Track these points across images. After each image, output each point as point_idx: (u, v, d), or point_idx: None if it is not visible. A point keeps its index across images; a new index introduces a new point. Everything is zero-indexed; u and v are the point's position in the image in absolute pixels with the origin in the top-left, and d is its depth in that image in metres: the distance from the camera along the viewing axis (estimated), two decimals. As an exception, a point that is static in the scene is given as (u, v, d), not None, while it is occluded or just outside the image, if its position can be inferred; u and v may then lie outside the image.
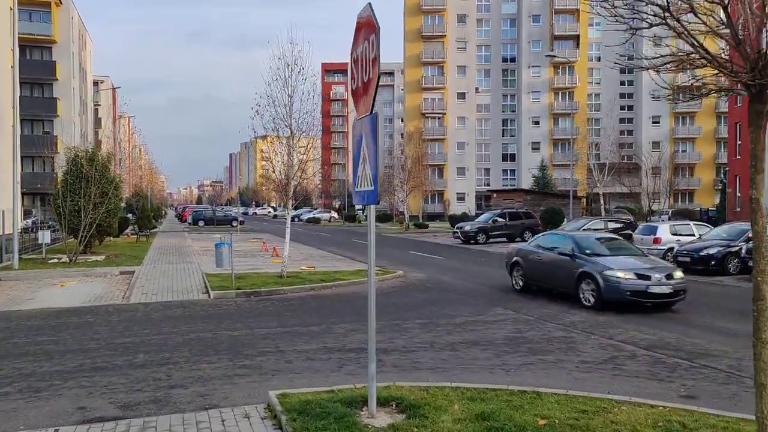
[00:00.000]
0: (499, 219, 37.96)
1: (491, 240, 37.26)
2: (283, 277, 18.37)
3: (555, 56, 49.17)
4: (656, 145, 79.03)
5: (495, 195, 50.63)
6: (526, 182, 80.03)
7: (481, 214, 69.43)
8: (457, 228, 38.51)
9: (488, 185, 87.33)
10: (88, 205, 23.10)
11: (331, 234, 48.84)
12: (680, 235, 24.35)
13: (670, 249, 23.78)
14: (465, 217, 57.23)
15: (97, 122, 76.24)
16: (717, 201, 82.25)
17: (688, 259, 21.43)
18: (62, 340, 10.81)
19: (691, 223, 26.39)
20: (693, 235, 24.16)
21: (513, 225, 38.01)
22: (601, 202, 50.54)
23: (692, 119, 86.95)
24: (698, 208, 58.09)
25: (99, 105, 79.57)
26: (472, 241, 36.85)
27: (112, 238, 35.18)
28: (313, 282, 17.73)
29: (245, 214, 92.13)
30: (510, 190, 52.12)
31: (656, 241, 24.18)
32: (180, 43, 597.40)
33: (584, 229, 28.98)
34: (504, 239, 38.06)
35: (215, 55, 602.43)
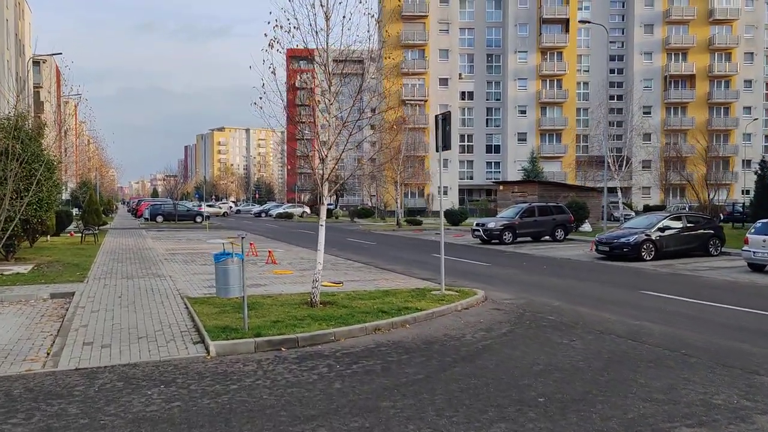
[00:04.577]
0: (527, 214, 31.65)
1: (518, 239, 31.02)
2: (316, 306, 11.57)
3: (588, 21, 43.09)
4: (647, 137, 74.20)
5: (502, 187, 44.47)
6: (512, 175, 74.34)
7: (464, 208, 63.52)
8: (478, 225, 32.05)
9: (471, 179, 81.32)
10: (7, 193, 15.74)
11: (315, 231, 41.69)
12: (819, 236, 18.41)
13: (811, 254, 17.83)
14: (462, 213, 51.00)
15: (39, 106, 67.22)
16: (709, 196, 78.32)
17: None
18: None
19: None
20: (837, 236, 18.23)
21: (543, 221, 31.89)
22: (619, 195, 44.99)
23: (684, 110, 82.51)
24: (731, 203, 52.57)
25: (41, 87, 70.45)
26: (495, 241, 30.52)
27: (48, 238, 27.64)
28: (369, 314, 10.90)
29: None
30: (520, 182, 46.10)
31: (789, 243, 18.16)
32: (128, 33, 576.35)
33: (664, 227, 23.01)
34: (529, 238, 31.87)
35: (165, 45, 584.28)
